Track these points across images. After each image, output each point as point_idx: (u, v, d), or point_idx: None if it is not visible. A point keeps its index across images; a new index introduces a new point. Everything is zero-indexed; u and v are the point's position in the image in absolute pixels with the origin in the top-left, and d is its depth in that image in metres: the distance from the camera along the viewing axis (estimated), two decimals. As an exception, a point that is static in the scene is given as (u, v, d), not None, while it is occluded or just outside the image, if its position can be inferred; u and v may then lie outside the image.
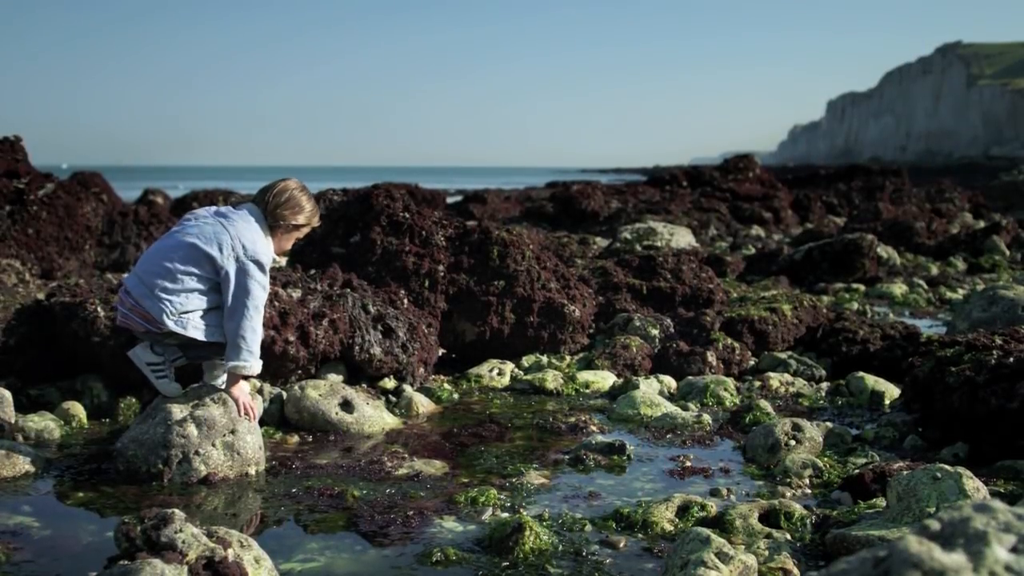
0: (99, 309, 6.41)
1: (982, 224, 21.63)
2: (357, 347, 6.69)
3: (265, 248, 5.21)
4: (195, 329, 5.09)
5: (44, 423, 5.79)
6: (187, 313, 5.07)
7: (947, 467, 4.14)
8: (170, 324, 5.04)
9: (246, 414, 5.19)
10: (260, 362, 5.18)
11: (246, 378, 5.30)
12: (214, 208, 5.37)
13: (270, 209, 5.32)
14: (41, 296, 8.17)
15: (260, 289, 5.13)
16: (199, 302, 5.10)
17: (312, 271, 7.39)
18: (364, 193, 8.54)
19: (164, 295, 5.03)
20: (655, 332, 8.38)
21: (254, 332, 5.10)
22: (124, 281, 5.24)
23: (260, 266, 5.13)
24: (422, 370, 7.07)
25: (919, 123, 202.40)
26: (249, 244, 5.12)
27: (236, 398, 5.21)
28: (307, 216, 5.42)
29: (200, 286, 5.10)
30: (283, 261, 8.86)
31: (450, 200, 30.93)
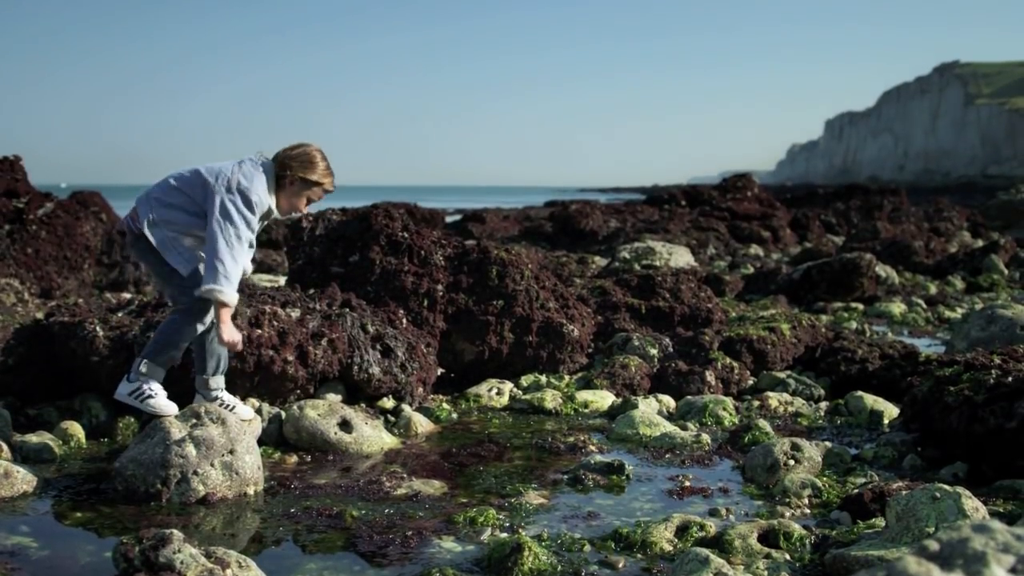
0: (98, 328, 6.41)
1: (980, 243, 21.65)
2: (356, 367, 6.69)
3: (260, 191, 5.33)
4: (163, 244, 5.29)
5: (43, 442, 5.79)
6: (165, 224, 5.30)
7: (946, 487, 4.14)
8: (147, 230, 5.28)
9: (231, 343, 5.32)
10: (236, 294, 5.26)
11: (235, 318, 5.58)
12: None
13: (280, 159, 5.48)
14: (40, 315, 8.17)
15: (242, 221, 5.23)
16: (179, 219, 5.31)
17: (311, 291, 7.40)
18: (363, 213, 8.55)
19: (155, 203, 5.33)
20: (654, 351, 8.38)
21: (233, 261, 5.19)
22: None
23: (247, 201, 5.25)
24: (421, 390, 7.07)
25: (917, 142, 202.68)
26: (244, 181, 5.28)
27: (221, 333, 5.30)
28: (319, 174, 5.51)
29: (186, 207, 5.32)
30: (283, 270, 8.86)
31: (449, 219, 30.97)
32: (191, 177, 5.33)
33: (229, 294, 5.17)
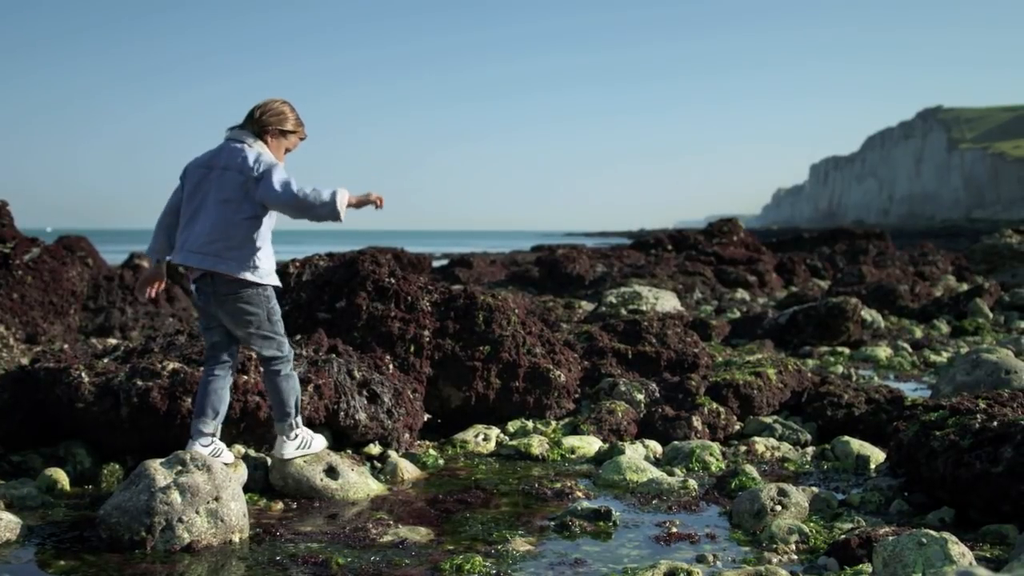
0: (83, 375, 6.39)
1: (965, 287, 21.75)
2: (342, 413, 6.67)
3: (273, 155, 5.69)
4: (257, 274, 5.56)
5: (26, 490, 5.75)
6: (253, 257, 5.55)
7: (933, 532, 4.15)
8: (248, 275, 5.53)
9: (378, 197, 5.75)
10: (342, 189, 5.56)
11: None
12: (208, 154, 5.72)
13: (254, 120, 5.73)
14: (25, 361, 8.14)
15: (289, 177, 5.55)
16: (262, 231, 5.60)
17: (297, 336, 7.39)
18: (350, 258, 8.57)
19: (232, 252, 5.52)
20: (640, 397, 8.38)
21: (304, 191, 5.47)
22: (183, 261, 5.61)
23: (276, 164, 5.58)
24: (407, 436, 7.05)
25: (901, 186, 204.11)
26: (265, 154, 5.60)
27: (371, 201, 5.73)
28: (292, 123, 5.82)
29: (252, 225, 5.56)
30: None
31: (436, 264, 31.00)
32: (230, 194, 5.53)
33: (341, 194, 5.52)
